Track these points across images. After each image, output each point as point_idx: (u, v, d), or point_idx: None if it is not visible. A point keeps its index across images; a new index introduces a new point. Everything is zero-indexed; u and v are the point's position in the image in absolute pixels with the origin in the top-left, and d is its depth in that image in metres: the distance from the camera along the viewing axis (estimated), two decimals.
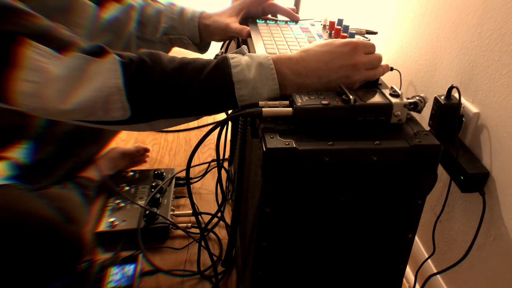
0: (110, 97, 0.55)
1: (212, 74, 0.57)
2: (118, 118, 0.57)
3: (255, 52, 0.72)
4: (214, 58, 0.61)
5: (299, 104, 0.54)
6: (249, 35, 0.80)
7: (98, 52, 0.56)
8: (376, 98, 0.57)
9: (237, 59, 0.59)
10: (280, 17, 0.92)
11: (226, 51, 0.95)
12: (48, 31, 0.56)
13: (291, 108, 0.55)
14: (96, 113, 0.57)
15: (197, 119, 0.62)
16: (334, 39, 0.62)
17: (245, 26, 0.81)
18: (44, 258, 0.72)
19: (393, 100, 0.56)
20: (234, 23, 0.83)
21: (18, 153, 0.91)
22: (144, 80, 0.56)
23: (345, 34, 0.76)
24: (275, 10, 0.91)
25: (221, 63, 0.58)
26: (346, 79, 0.60)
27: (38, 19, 0.57)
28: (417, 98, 0.59)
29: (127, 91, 0.56)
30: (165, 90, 0.57)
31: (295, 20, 0.89)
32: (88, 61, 0.55)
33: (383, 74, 0.65)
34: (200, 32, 0.87)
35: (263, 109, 0.54)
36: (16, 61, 0.53)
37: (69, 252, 0.75)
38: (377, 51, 0.64)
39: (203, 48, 0.92)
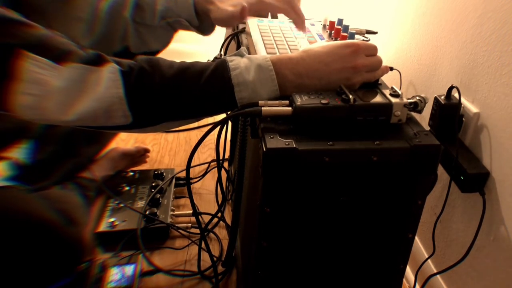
0: (112, 106, 0.55)
1: (211, 78, 0.57)
2: (120, 124, 0.58)
3: (255, 52, 0.72)
4: (213, 60, 0.61)
5: (298, 103, 0.54)
6: (244, 15, 0.76)
7: (96, 61, 0.56)
8: (376, 98, 0.57)
9: (235, 61, 0.58)
10: (280, 17, 0.92)
11: (226, 53, 0.95)
12: (45, 41, 0.56)
13: (290, 108, 0.55)
14: (98, 121, 0.57)
15: (198, 120, 0.63)
16: (335, 41, 0.62)
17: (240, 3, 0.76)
18: (44, 260, 0.72)
19: (393, 100, 0.56)
20: (230, 7, 0.78)
21: (19, 153, 0.91)
22: (145, 88, 0.57)
23: (345, 34, 0.76)
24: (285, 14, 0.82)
25: (220, 66, 0.58)
26: (346, 81, 0.60)
27: (34, 29, 0.56)
28: (417, 98, 0.59)
29: (128, 100, 0.56)
30: (165, 96, 0.57)
31: (301, 30, 0.82)
32: (87, 70, 0.55)
33: (382, 76, 0.65)
34: (198, 12, 0.83)
35: (262, 108, 0.54)
36: (15, 74, 0.53)
37: (69, 254, 0.75)
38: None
39: (205, 30, 0.89)
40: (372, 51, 0.62)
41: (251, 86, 0.57)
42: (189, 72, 0.58)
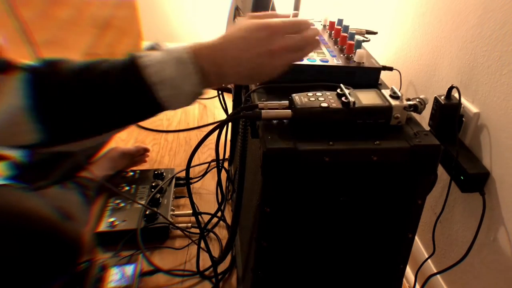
0: (15, 119, 0.49)
1: (122, 81, 0.51)
2: (30, 142, 0.51)
3: None
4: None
5: (298, 106, 0.54)
6: None
7: (1, 68, 0.50)
8: (376, 100, 0.57)
9: (148, 58, 0.52)
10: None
11: None
12: None
13: (290, 110, 0.55)
14: (5, 138, 0.51)
15: (118, 132, 0.56)
16: (251, 22, 0.55)
17: None
18: (41, 257, 0.71)
19: (393, 102, 0.56)
20: None
21: (16, 151, 0.90)
22: (49, 98, 0.50)
23: (345, 34, 0.76)
24: None
25: (131, 64, 0.51)
26: (267, 66, 0.54)
27: None
28: (417, 100, 0.59)
29: (33, 112, 0.50)
30: (71, 105, 0.51)
31: None
32: None
33: (311, 51, 0.59)
34: None
35: (262, 111, 0.54)
36: None
37: (66, 250, 0.75)
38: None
39: None
40: (294, 27, 0.55)
41: (171, 82, 0.51)
42: (94, 75, 0.51)
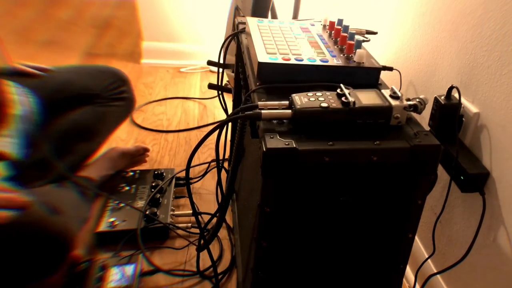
0: None
1: None
2: None
3: (255, 52, 0.72)
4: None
5: (298, 106, 0.54)
6: None
7: None
8: (376, 100, 0.57)
9: None
10: (280, 17, 0.92)
11: (226, 53, 0.95)
12: None
13: (290, 110, 0.55)
14: None
15: None
16: None
17: None
18: (25, 250, 0.70)
19: (393, 102, 0.56)
20: None
21: (8, 147, 0.90)
22: None
23: (345, 34, 0.76)
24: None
25: None
26: None
27: None
28: (417, 100, 0.59)
29: None
30: None
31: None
32: None
33: None
34: None
35: (262, 111, 0.54)
36: None
37: (53, 243, 0.74)
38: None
39: None
40: None
41: None
42: None
